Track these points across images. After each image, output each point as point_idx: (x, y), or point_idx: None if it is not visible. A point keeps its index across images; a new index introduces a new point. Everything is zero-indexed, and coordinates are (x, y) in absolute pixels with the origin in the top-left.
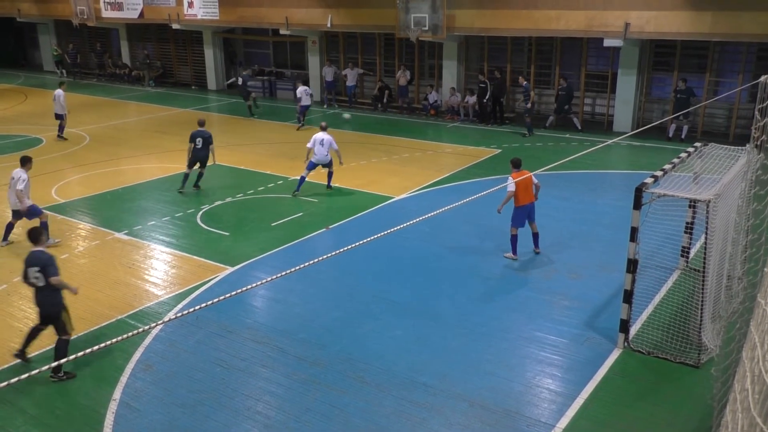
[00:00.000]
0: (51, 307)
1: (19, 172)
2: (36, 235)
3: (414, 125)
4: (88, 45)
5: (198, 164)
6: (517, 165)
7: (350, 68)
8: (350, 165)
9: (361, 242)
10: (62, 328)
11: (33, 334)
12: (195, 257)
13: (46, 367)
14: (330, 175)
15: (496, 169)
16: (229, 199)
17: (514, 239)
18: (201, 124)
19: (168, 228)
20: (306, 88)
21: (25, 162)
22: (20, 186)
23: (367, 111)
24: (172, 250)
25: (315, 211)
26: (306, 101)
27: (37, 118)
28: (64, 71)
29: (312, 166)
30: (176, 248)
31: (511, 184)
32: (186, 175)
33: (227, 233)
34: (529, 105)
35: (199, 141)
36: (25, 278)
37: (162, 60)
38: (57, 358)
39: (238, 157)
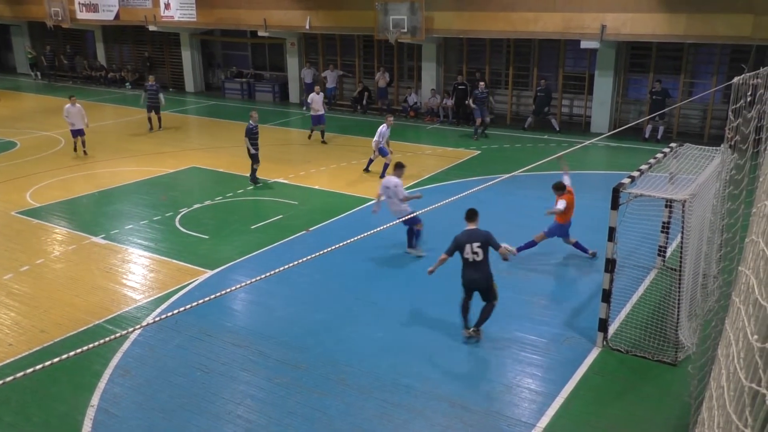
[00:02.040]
0: (488, 279)
1: (393, 180)
2: (472, 214)
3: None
4: (63, 47)
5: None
6: (559, 188)
7: (330, 70)
8: (330, 167)
9: (341, 244)
10: (494, 295)
11: (466, 308)
12: (174, 261)
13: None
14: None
15: (476, 171)
16: (208, 202)
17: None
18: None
19: (146, 232)
20: (312, 94)
21: (398, 167)
22: (394, 189)
23: (346, 113)
24: (151, 254)
25: (295, 213)
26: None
27: (11, 121)
28: (38, 74)
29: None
30: (155, 252)
31: (560, 203)
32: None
33: (206, 236)
34: (487, 113)
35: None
36: (452, 253)
37: (139, 62)
38: (485, 319)
39: (217, 160)
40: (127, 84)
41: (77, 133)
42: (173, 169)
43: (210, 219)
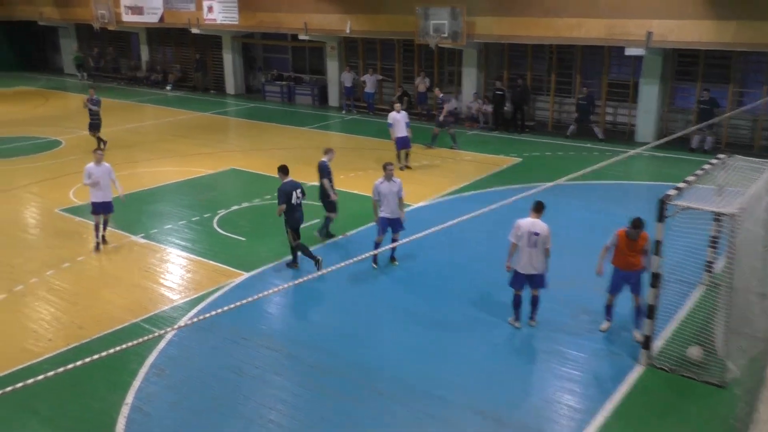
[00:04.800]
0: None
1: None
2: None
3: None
4: (108, 49)
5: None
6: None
7: (369, 74)
8: (368, 172)
9: (377, 251)
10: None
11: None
12: (211, 262)
13: (51, 373)
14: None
15: (517, 179)
16: (245, 204)
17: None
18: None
19: (184, 232)
20: (393, 113)
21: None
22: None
23: (385, 117)
24: (188, 255)
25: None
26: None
27: (57, 120)
28: (84, 74)
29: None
30: (192, 252)
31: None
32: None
33: (243, 238)
34: (441, 118)
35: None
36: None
37: (181, 64)
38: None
39: (255, 162)
40: (168, 86)
41: (103, 207)
42: (212, 170)
43: (247, 221)
